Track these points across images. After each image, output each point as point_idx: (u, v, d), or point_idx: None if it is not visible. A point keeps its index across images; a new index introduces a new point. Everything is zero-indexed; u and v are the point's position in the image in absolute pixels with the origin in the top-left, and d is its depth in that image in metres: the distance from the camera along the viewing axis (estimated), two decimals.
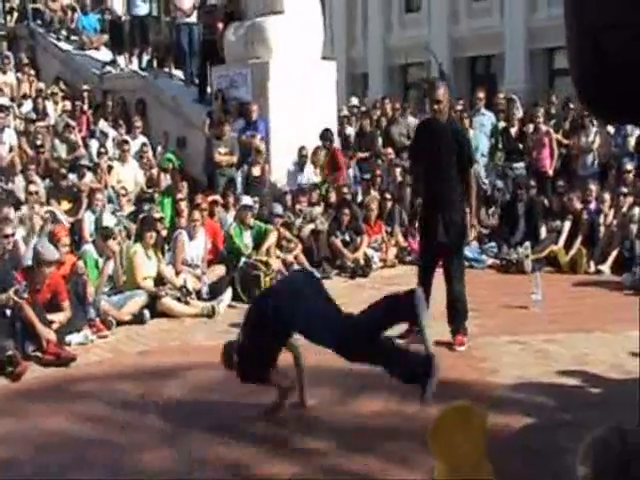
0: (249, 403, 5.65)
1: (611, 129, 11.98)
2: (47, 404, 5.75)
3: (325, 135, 11.96)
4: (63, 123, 12.45)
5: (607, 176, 11.53)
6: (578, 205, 10.30)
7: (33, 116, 12.94)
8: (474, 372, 6.13)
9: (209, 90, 13.43)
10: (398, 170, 12.03)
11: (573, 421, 4.96)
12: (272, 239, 9.55)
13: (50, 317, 7.01)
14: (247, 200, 9.94)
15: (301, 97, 11.99)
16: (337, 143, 12.75)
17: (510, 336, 7.01)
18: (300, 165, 11.81)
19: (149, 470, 4.62)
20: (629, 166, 10.99)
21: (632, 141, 11.60)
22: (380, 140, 13.12)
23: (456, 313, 6.80)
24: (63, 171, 11.14)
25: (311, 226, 10.52)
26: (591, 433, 2.35)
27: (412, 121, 13.43)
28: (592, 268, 9.69)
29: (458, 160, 6.53)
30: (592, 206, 10.38)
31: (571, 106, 12.62)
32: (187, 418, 5.40)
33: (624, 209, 10.11)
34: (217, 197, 10.65)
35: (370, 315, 4.84)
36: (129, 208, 10.55)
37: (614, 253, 9.67)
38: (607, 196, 10.41)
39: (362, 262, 10.17)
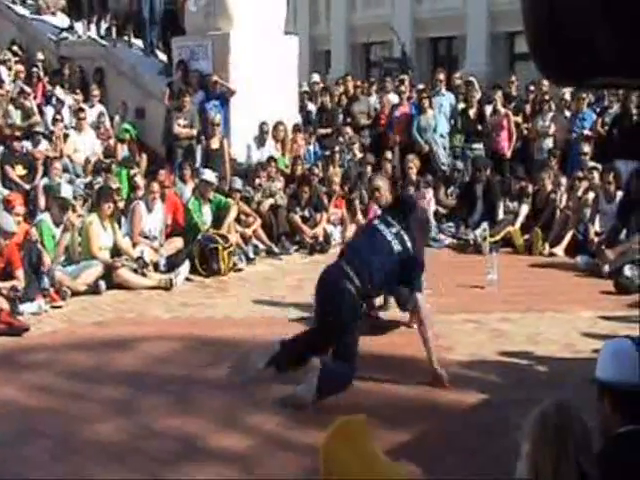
0: (203, 375, 5.65)
1: (568, 114, 12.11)
2: None
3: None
4: (17, 89, 12.18)
5: (562, 160, 11.64)
6: (549, 187, 10.43)
7: None
8: None
9: (167, 61, 13.26)
10: (356, 147, 12.08)
11: (525, 398, 5.02)
12: (233, 214, 9.47)
13: (2, 285, 6.90)
14: (208, 175, 9.68)
15: (262, 71, 11.86)
16: (298, 119, 12.74)
17: (465, 314, 7.08)
18: (261, 140, 11.73)
19: (102, 441, 4.59)
20: (586, 148, 11.14)
21: (587, 126, 11.75)
22: (341, 117, 13.12)
23: None
24: (17, 134, 10.92)
25: (270, 201, 10.48)
26: (533, 410, 2.42)
27: (373, 100, 13.49)
28: (547, 250, 9.82)
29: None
30: (548, 189, 10.52)
31: (531, 89, 12.77)
32: (141, 390, 5.37)
33: (579, 193, 10.24)
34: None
35: None
36: (86, 178, 10.39)
37: (568, 236, 9.80)
38: (564, 180, 10.54)
39: (321, 238, 10.17)
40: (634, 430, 2.60)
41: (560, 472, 2.29)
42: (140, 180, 9.77)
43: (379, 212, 7.13)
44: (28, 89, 12.27)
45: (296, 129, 12.26)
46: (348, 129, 12.62)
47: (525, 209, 10.46)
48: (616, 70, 1.60)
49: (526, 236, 10.11)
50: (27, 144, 10.91)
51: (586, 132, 11.63)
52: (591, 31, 1.55)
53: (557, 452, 2.29)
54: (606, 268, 8.53)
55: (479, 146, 12.16)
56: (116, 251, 8.43)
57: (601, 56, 1.57)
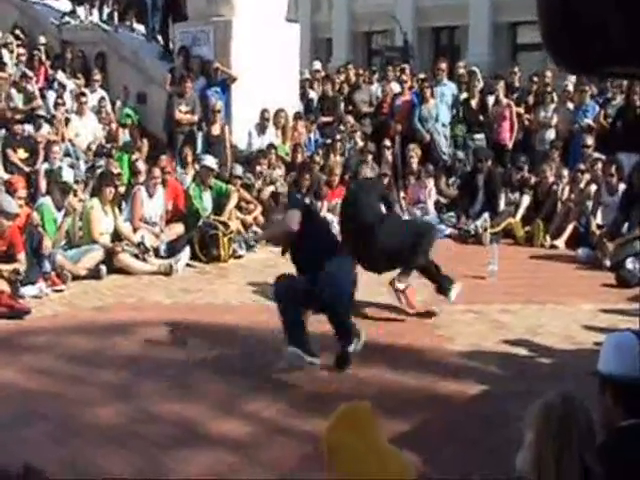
0: (203, 361, 5.65)
1: (570, 105, 12.08)
2: None
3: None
4: (19, 72, 12.15)
5: (564, 152, 11.62)
6: (551, 178, 10.42)
7: None
8: (431, 339, 6.20)
9: (171, 46, 13.21)
10: (358, 135, 12.07)
11: (525, 390, 5.02)
12: (234, 201, 9.46)
13: (3, 267, 6.89)
14: (209, 161, 9.66)
15: (264, 58, 11.82)
16: (299, 107, 12.71)
17: (466, 305, 7.06)
18: (262, 127, 11.70)
19: (102, 424, 4.60)
20: (588, 140, 11.09)
21: (590, 117, 11.71)
22: (342, 105, 13.09)
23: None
24: (18, 117, 10.88)
25: (271, 188, 10.47)
26: (538, 401, 2.42)
27: (375, 88, 13.46)
28: (548, 242, 9.81)
29: None
30: (550, 181, 10.51)
31: (534, 79, 12.73)
32: (141, 374, 5.38)
33: (581, 185, 10.22)
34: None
35: None
36: (87, 162, 10.37)
37: (569, 228, 9.79)
38: (565, 172, 10.52)
39: None
40: (636, 424, 2.60)
41: (562, 464, 2.29)
42: (141, 165, 9.75)
43: None
44: (30, 73, 12.23)
45: (297, 117, 12.22)
46: (349, 117, 12.59)
47: (526, 200, 10.45)
48: (629, 59, 1.60)
49: (527, 228, 10.11)
50: (29, 127, 10.88)
51: (588, 122, 11.58)
52: (605, 18, 1.55)
53: (560, 444, 2.29)
54: (607, 261, 8.52)
55: (481, 136, 12.12)
56: (117, 236, 8.43)
57: (614, 44, 1.57)
